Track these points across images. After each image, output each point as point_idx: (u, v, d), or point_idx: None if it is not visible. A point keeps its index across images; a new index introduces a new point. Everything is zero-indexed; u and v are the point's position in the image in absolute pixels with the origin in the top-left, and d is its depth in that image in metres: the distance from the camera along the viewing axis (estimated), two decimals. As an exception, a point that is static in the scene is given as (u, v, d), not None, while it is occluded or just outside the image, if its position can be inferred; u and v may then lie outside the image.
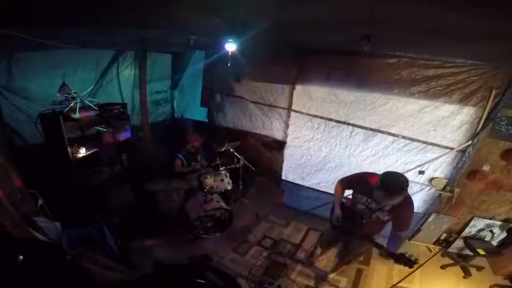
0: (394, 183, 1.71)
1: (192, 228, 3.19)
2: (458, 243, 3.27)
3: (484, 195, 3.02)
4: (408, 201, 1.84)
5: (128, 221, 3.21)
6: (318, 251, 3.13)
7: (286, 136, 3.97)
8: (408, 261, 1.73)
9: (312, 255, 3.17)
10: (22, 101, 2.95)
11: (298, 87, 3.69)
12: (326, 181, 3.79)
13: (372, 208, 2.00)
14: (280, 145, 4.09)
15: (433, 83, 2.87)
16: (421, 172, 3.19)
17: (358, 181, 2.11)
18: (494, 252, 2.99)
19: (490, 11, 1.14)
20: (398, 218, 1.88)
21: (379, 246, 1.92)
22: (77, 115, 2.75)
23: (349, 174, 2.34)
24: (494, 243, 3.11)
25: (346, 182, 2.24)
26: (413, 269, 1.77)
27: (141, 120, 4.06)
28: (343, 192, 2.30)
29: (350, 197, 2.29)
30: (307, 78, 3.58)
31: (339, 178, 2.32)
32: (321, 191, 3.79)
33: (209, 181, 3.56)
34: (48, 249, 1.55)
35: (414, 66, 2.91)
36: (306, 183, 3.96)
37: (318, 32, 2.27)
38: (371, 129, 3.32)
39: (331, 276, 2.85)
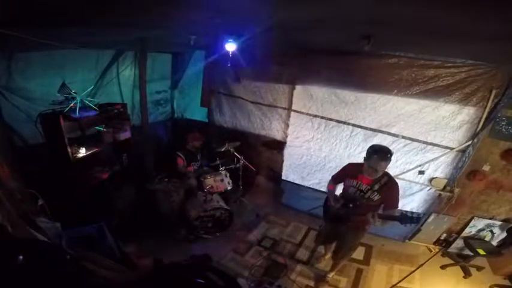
0: (382, 147, 2.10)
1: (192, 228, 3.19)
2: (458, 243, 3.28)
3: (484, 195, 3.02)
4: (393, 180, 2.13)
5: (128, 221, 3.21)
6: (321, 250, 3.13)
7: (286, 136, 3.97)
8: (412, 219, 1.83)
9: (312, 255, 3.17)
10: (22, 101, 2.93)
11: (298, 87, 3.68)
12: (326, 181, 3.66)
13: (362, 189, 2.17)
14: (280, 145, 4.09)
15: (433, 83, 2.87)
16: (421, 172, 3.19)
17: (346, 170, 2.39)
18: (494, 252, 3.00)
19: (489, 11, 1.14)
20: (387, 197, 2.08)
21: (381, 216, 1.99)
22: (76, 115, 2.75)
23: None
24: (494, 243, 3.12)
25: (336, 176, 2.50)
26: (413, 269, 1.77)
27: (141, 120, 4.06)
28: (335, 187, 2.55)
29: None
30: (308, 78, 3.57)
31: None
32: (321, 191, 3.78)
33: (209, 181, 3.56)
34: (48, 249, 1.55)
35: (414, 66, 2.91)
36: (306, 183, 3.96)
37: (318, 32, 2.27)
38: (371, 129, 3.33)
39: (330, 275, 2.85)
